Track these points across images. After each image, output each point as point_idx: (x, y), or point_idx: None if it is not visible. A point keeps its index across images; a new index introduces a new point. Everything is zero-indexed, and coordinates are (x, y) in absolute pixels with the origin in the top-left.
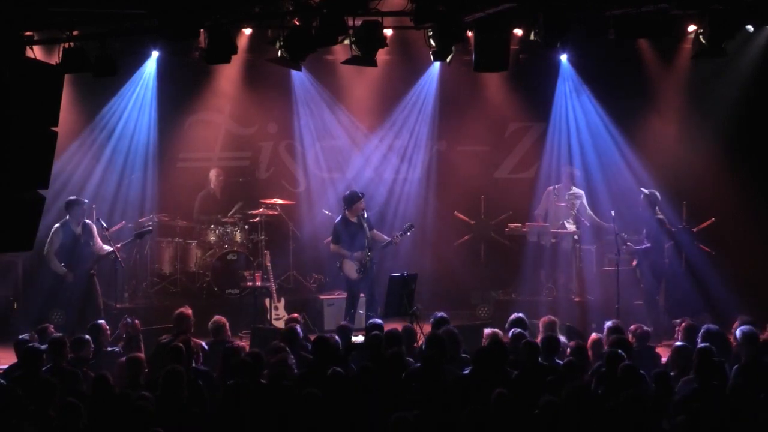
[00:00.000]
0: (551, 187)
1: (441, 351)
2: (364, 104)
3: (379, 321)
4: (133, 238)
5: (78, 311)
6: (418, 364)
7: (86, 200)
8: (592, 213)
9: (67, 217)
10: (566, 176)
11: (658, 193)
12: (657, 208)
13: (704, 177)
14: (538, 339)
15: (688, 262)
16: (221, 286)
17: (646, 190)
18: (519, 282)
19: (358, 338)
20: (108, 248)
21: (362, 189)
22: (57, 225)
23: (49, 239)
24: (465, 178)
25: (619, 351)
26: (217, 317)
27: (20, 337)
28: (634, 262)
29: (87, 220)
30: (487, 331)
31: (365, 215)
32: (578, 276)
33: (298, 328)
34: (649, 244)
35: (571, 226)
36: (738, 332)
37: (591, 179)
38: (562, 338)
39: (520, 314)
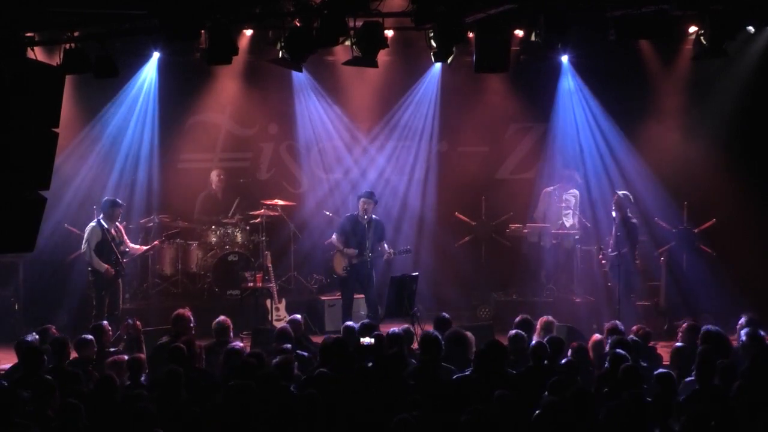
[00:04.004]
0: (548, 189)
1: (436, 350)
2: (365, 105)
3: (373, 322)
4: (164, 239)
5: (103, 308)
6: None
7: (122, 202)
8: (579, 214)
9: (102, 216)
10: (568, 179)
11: (630, 196)
12: (628, 210)
13: (705, 178)
14: (534, 339)
15: (689, 263)
16: (222, 287)
17: (620, 192)
18: (520, 283)
19: (366, 340)
20: (141, 248)
21: (362, 190)
22: (93, 224)
23: (86, 238)
24: (466, 179)
25: (623, 352)
26: (222, 318)
27: (21, 337)
28: (606, 269)
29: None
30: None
31: (370, 217)
32: (579, 276)
33: (288, 326)
34: (625, 249)
35: (569, 223)
36: (742, 334)
37: (591, 180)
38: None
39: (526, 316)
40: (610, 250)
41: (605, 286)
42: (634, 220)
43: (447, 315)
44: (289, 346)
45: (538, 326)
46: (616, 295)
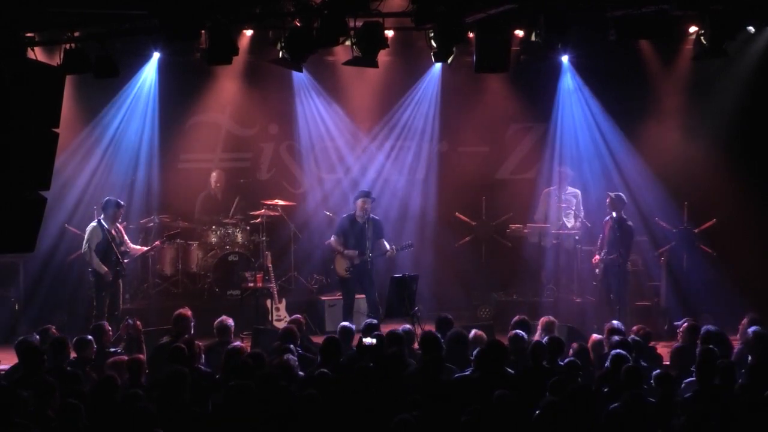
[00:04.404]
0: (548, 189)
1: (437, 350)
2: (365, 105)
3: (375, 322)
4: (165, 239)
5: (104, 308)
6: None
7: (122, 202)
8: (583, 215)
9: (102, 216)
10: (560, 177)
11: (624, 197)
12: (623, 212)
13: (705, 178)
14: (535, 338)
15: (689, 263)
16: (222, 287)
17: (612, 194)
18: (520, 283)
19: (368, 340)
20: (142, 249)
21: (359, 190)
22: (93, 224)
23: (86, 238)
24: (466, 179)
25: (625, 352)
26: (223, 317)
27: (22, 337)
28: (597, 270)
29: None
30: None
31: (369, 217)
32: (579, 277)
33: (293, 326)
34: (621, 250)
35: (570, 223)
36: (749, 332)
37: (592, 181)
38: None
39: (524, 316)
40: (606, 251)
41: (604, 288)
42: (629, 222)
43: (449, 315)
44: (292, 346)
45: (539, 326)
46: (612, 296)
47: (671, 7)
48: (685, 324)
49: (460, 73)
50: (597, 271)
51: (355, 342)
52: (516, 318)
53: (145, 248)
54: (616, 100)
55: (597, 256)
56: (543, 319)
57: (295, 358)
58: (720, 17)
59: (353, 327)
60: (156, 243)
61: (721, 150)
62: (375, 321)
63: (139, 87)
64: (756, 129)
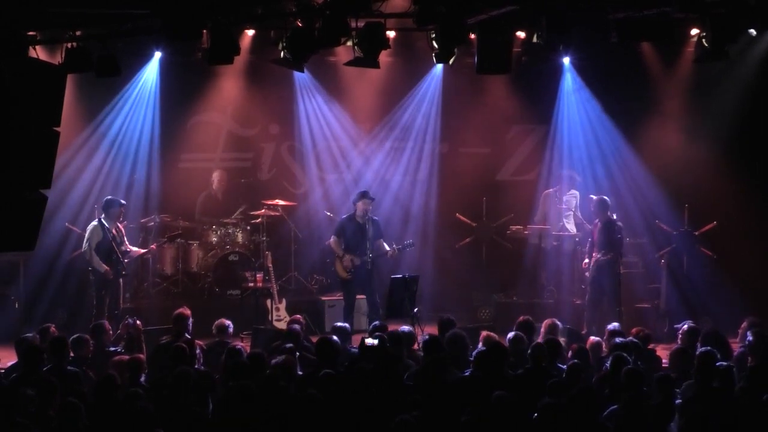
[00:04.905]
0: (549, 191)
1: (438, 352)
2: (366, 105)
3: (382, 323)
4: (164, 241)
5: (104, 307)
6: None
7: (123, 201)
8: (579, 214)
9: (103, 216)
10: (567, 180)
11: (608, 199)
12: (609, 213)
13: (706, 180)
14: (538, 341)
15: (690, 265)
16: (222, 287)
17: (594, 197)
18: (520, 284)
19: (369, 340)
20: (139, 251)
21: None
22: (94, 223)
23: (87, 237)
24: (467, 180)
25: (625, 355)
26: (222, 319)
27: (21, 336)
28: (587, 273)
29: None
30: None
31: (369, 217)
32: (579, 278)
33: (297, 327)
34: (616, 251)
35: (570, 225)
36: (749, 334)
37: (593, 182)
38: (562, 340)
39: (528, 317)
40: (602, 252)
41: (597, 289)
42: (619, 223)
43: (452, 317)
44: (292, 346)
45: (542, 329)
46: (605, 297)
47: (672, 10)
48: (685, 326)
49: (461, 74)
50: (587, 274)
51: (351, 343)
52: (520, 319)
53: (142, 251)
54: (618, 102)
55: (587, 260)
56: (546, 322)
57: (294, 359)
58: (721, 20)
59: (348, 327)
60: (152, 246)
61: (721, 152)
62: (382, 323)
63: (140, 86)
64: (757, 131)
